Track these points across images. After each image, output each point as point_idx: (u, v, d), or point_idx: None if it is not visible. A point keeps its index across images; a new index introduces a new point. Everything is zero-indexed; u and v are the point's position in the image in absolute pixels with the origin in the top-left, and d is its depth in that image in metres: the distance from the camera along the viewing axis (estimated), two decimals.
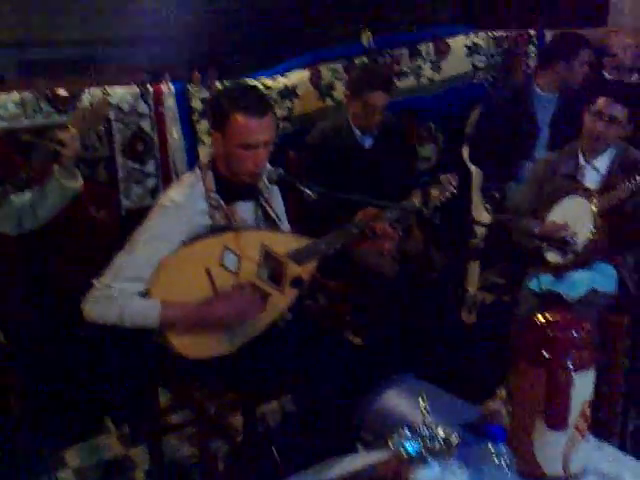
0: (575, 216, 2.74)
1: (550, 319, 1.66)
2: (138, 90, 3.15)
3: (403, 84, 3.88)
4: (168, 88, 3.23)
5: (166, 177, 3.23)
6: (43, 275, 2.94)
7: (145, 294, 2.12)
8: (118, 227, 3.02)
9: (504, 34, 4.16)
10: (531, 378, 1.63)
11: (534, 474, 1.63)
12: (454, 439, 1.59)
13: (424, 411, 1.62)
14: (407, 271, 2.91)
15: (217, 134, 2.21)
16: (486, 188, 3.59)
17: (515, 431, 1.68)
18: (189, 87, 3.29)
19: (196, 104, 3.30)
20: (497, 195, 3.44)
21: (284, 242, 2.31)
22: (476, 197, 3.57)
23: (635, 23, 4.38)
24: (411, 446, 1.58)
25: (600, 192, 2.78)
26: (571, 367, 1.58)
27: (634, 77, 3.81)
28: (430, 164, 3.99)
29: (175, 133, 3.25)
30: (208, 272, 2.16)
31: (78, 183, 2.43)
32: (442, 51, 3.99)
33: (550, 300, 2.63)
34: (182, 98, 3.26)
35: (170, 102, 3.22)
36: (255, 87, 2.50)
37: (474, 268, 3.41)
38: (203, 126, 3.32)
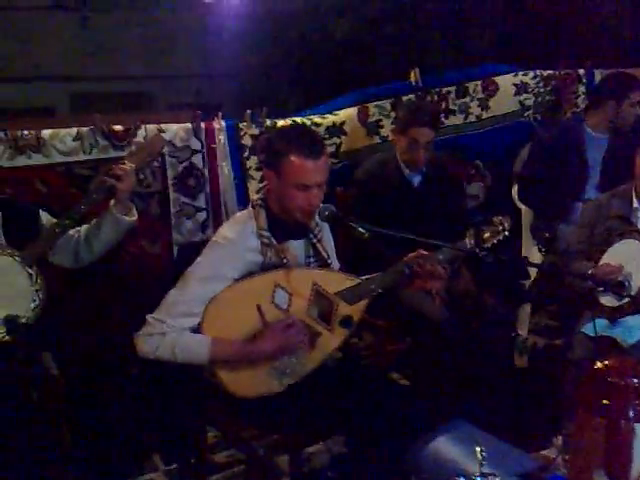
0: (630, 259, 2.69)
1: (610, 365, 1.62)
2: (191, 126, 3.22)
3: (450, 122, 3.91)
4: (220, 125, 3.29)
5: (216, 212, 3.28)
6: (96, 308, 2.99)
7: (197, 330, 2.13)
8: (170, 261, 3.06)
9: (552, 73, 4.16)
10: (590, 428, 1.59)
11: None
12: None
13: (480, 459, 1.59)
14: (456, 312, 2.87)
15: (271, 173, 2.23)
16: (536, 228, 3.57)
17: None
18: (240, 124, 3.35)
19: (246, 141, 3.36)
20: (548, 235, 3.40)
21: (335, 281, 2.30)
22: (526, 237, 3.54)
23: None
24: None
25: None
26: (633, 416, 1.54)
27: None
28: (478, 202, 3.97)
29: (225, 169, 3.31)
30: (259, 309, 2.16)
31: (133, 217, 2.48)
32: (490, 89, 4.01)
33: (604, 345, 2.57)
34: (233, 135, 3.33)
35: (221, 138, 3.28)
36: (311, 129, 2.53)
37: (525, 310, 3.37)
38: (253, 162, 3.37)
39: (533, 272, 3.45)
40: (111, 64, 7.09)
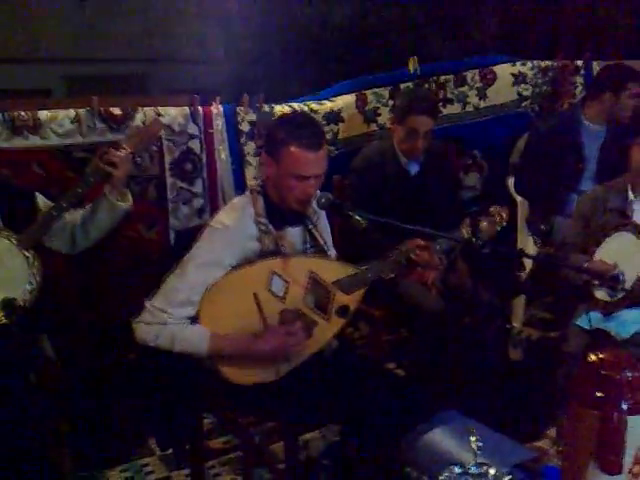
0: (625, 252, 2.70)
1: (604, 358, 1.63)
2: (189, 111, 3.20)
3: (448, 111, 3.90)
4: (218, 110, 3.28)
5: (213, 197, 3.27)
6: (93, 292, 2.98)
7: (195, 318, 2.14)
8: (167, 246, 3.06)
9: (551, 64, 4.16)
10: (583, 420, 1.60)
11: None
12: (506, 479, 1.56)
13: (475, 449, 1.60)
14: (451, 304, 2.87)
15: (270, 160, 2.22)
16: (532, 220, 3.57)
17: (567, 473, 1.65)
18: (238, 109, 3.33)
19: (244, 126, 3.34)
20: (543, 227, 3.41)
21: (331, 270, 2.30)
22: (521, 229, 3.54)
23: None
24: None
25: None
26: (626, 409, 1.55)
27: None
28: (474, 193, 3.97)
29: (223, 154, 3.29)
30: (255, 296, 2.17)
31: (128, 203, 2.47)
32: (488, 79, 4.00)
33: (598, 338, 2.58)
34: (231, 120, 3.31)
35: (219, 124, 3.27)
36: (313, 119, 2.49)
37: (520, 302, 3.38)
38: (250, 148, 3.36)
39: (528, 264, 3.47)
40: (107, 47, 7.05)
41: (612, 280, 2.56)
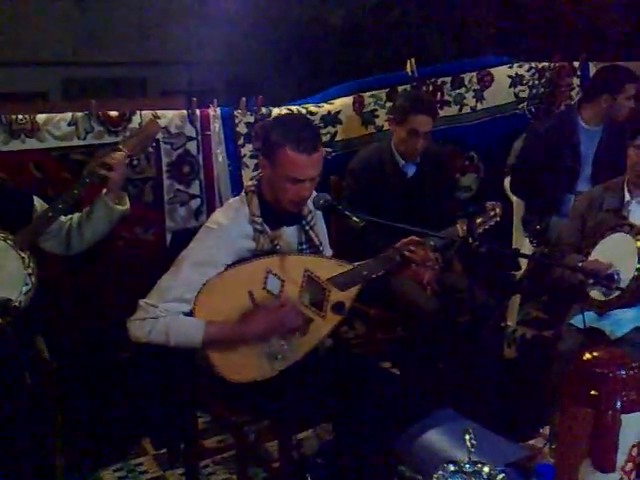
0: (620, 253, 2.69)
1: (598, 357, 1.63)
2: (186, 113, 3.21)
3: (445, 112, 3.91)
4: (215, 112, 3.28)
5: (210, 199, 3.28)
6: (89, 293, 2.98)
7: (189, 315, 2.14)
8: (163, 248, 3.06)
9: (547, 65, 4.17)
10: (577, 418, 1.60)
11: None
12: (500, 477, 1.56)
13: (470, 447, 1.60)
14: (447, 303, 2.88)
15: (266, 161, 2.23)
16: (527, 220, 3.58)
17: (561, 471, 1.65)
18: (235, 112, 3.34)
19: (241, 128, 3.35)
20: (539, 227, 3.41)
21: (327, 267, 2.31)
22: (517, 228, 3.55)
23: None
24: None
25: None
26: (619, 407, 1.55)
27: None
28: (471, 194, 3.98)
29: (220, 156, 3.30)
30: (251, 295, 2.18)
31: (125, 207, 2.48)
32: (485, 81, 4.01)
33: (592, 337, 2.59)
34: (228, 122, 3.32)
35: (216, 126, 3.28)
36: (309, 122, 2.49)
37: (515, 301, 3.38)
38: (247, 150, 3.37)
39: (524, 263, 3.47)
40: (104, 50, 7.06)
41: (607, 279, 2.56)
